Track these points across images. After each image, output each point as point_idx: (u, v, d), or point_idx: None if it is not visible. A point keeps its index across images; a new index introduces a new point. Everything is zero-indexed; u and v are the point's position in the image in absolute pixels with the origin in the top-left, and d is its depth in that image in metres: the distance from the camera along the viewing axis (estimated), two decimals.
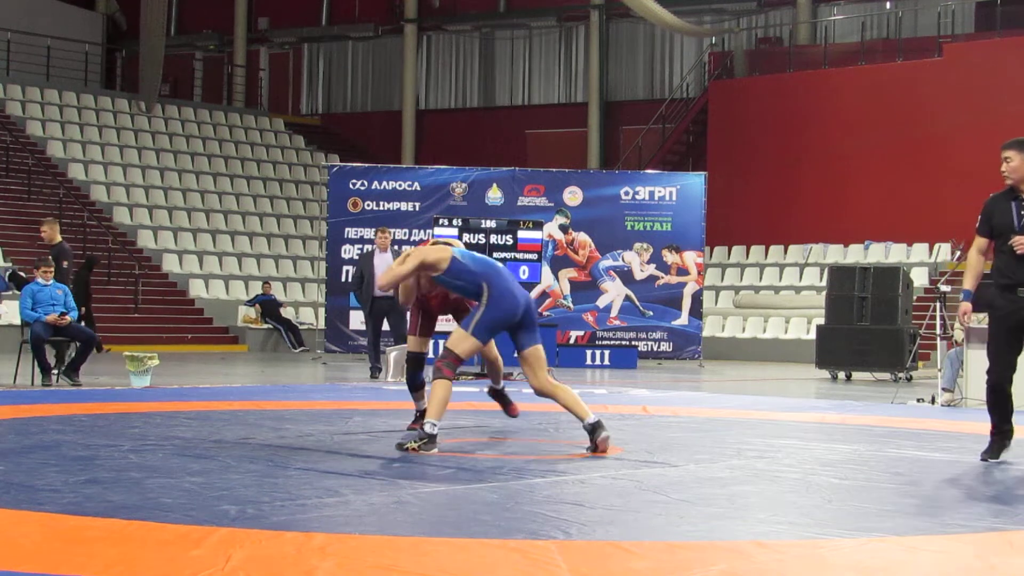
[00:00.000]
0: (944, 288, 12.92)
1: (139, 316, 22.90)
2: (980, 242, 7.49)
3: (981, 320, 12.17)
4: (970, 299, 7.29)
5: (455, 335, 7.51)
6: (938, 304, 12.71)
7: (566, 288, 20.47)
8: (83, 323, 14.13)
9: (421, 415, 8.09)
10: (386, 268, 14.83)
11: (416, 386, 8.33)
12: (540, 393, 7.53)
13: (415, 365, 8.28)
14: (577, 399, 7.54)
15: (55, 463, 6.49)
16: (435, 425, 7.29)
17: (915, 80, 25.42)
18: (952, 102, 24.64)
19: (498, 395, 8.52)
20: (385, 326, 15.15)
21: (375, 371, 15.02)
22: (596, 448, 7.36)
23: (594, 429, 7.42)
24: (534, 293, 20.03)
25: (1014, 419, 7.31)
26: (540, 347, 7.60)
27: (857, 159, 25.40)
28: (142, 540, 4.63)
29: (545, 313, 20.28)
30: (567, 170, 22.11)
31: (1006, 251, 7.23)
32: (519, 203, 20.42)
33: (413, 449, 7.23)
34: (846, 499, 5.91)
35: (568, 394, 7.55)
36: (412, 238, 19.96)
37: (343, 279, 19.98)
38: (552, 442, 8.12)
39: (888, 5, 28.88)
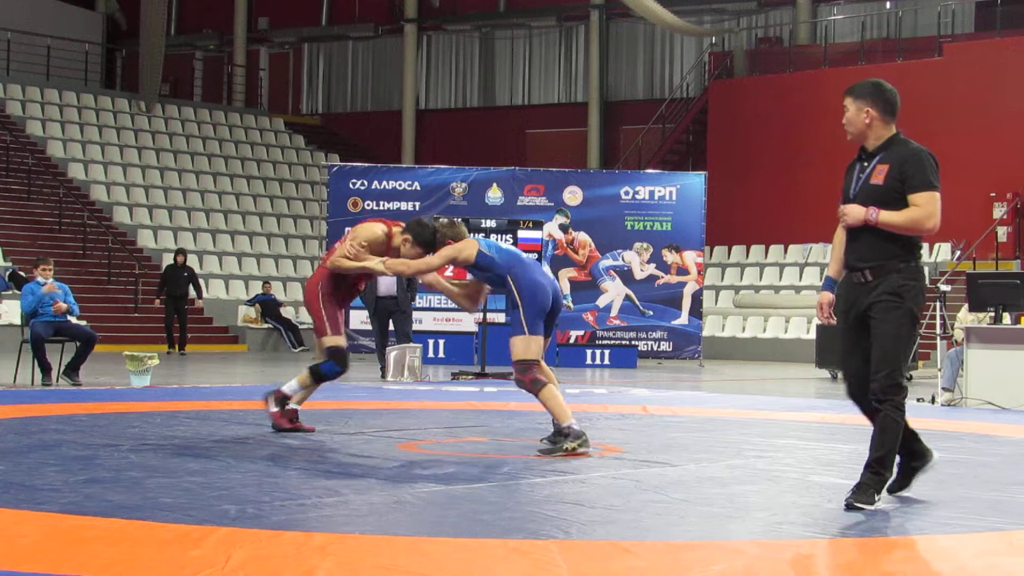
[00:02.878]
0: (944, 288, 12.92)
1: (139, 316, 22.89)
2: None
3: (982, 320, 12.20)
4: (830, 288, 5.89)
5: (517, 345, 7.42)
6: (938, 304, 12.70)
7: (566, 288, 20.46)
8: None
9: None
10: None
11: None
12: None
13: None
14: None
15: (55, 463, 6.49)
16: (576, 422, 7.32)
17: (915, 80, 25.39)
18: (952, 102, 24.63)
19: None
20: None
21: (385, 372, 15.02)
22: (542, 452, 7.38)
23: (559, 434, 7.46)
24: None
25: (921, 444, 5.92)
26: (547, 339, 7.68)
27: None
28: (142, 540, 4.63)
29: None
30: (567, 170, 22.11)
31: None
32: (519, 203, 20.41)
33: (572, 449, 7.22)
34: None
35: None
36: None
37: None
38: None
39: (888, 5, 28.88)
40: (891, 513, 5.51)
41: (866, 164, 5.88)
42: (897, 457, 5.69)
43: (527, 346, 7.39)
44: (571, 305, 20.50)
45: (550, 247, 20.20)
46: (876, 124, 5.86)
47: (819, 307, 5.87)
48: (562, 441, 7.35)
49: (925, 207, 5.70)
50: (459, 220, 8.23)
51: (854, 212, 5.70)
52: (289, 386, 8.26)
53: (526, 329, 7.40)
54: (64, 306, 12.59)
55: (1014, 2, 25.65)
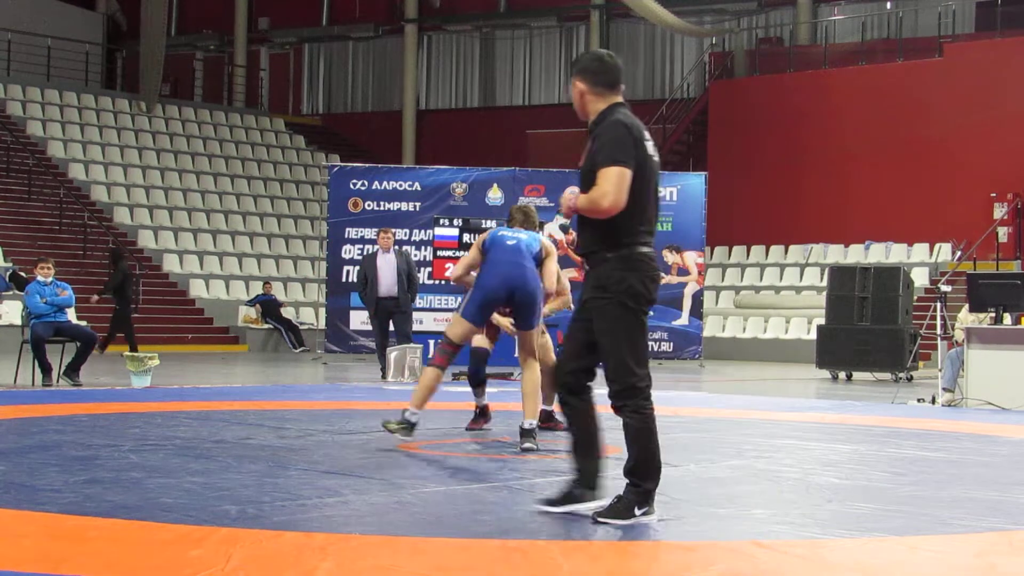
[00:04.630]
0: (945, 288, 12.92)
1: (139, 316, 22.89)
2: None
3: (982, 320, 12.20)
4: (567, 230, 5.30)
5: (452, 320, 7.71)
6: (939, 304, 12.71)
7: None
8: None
9: (482, 412, 8.23)
10: (389, 270, 14.91)
11: (477, 382, 8.41)
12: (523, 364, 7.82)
13: (477, 361, 8.33)
14: (533, 394, 7.60)
15: (55, 463, 6.49)
16: (415, 413, 7.45)
17: (915, 80, 25.41)
18: (952, 102, 24.63)
19: (547, 419, 8.44)
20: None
21: (386, 372, 15.03)
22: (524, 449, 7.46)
23: (524, 433, 7.55)
24: None
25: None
26: (530, 333, 7.67)
27: (857, 159, 25.39)
28: (142, 540, 4.63)
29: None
30: (568, 170, 22.06)
31: None
32: (520, 203, 20.38)
33: (392, 429, 7.45)
34: (846, 499, 5.91)
35: (531, 384, 7.66)
36: (413, 238, 19.95)
37: (343, 279, 19.97)
38: (552, 442, 8.11)
39: (888, 5, 28.87)
40: (891, 513, 5.51)
41: (589, 144, 5.24)
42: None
43: (453, 325, 7.67)
44: (572, 305, 20.45)
45: None
46: (588, 98, 5.23)
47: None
48: (400, 416, 7.55)
49: (601, 184, 4.97)
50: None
51: (564, 199, 5.22)
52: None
53: (461, 310, 7.66)
54: (64, 293, 12.66)
55: (1014, 2, 25.64)
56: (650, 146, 5.21)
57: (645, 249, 5.13)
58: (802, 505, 5.76)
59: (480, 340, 8.26)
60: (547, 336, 8.38)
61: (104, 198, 25.87)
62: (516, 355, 7.86)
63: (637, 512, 5.02)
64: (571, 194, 5.16)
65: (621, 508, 5.02)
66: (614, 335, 5.08)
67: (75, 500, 5.36)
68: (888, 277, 17.54)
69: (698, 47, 30.97)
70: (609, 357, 5.10)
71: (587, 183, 5.07)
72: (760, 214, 26.32)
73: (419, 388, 7.56)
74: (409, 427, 7.46)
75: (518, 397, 8.14)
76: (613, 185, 4.97)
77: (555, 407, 8.40)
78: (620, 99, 5.24)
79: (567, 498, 5.18)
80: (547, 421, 8.54)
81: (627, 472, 5.07)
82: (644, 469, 5.06)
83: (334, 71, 35.55)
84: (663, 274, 20.52)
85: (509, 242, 7.75)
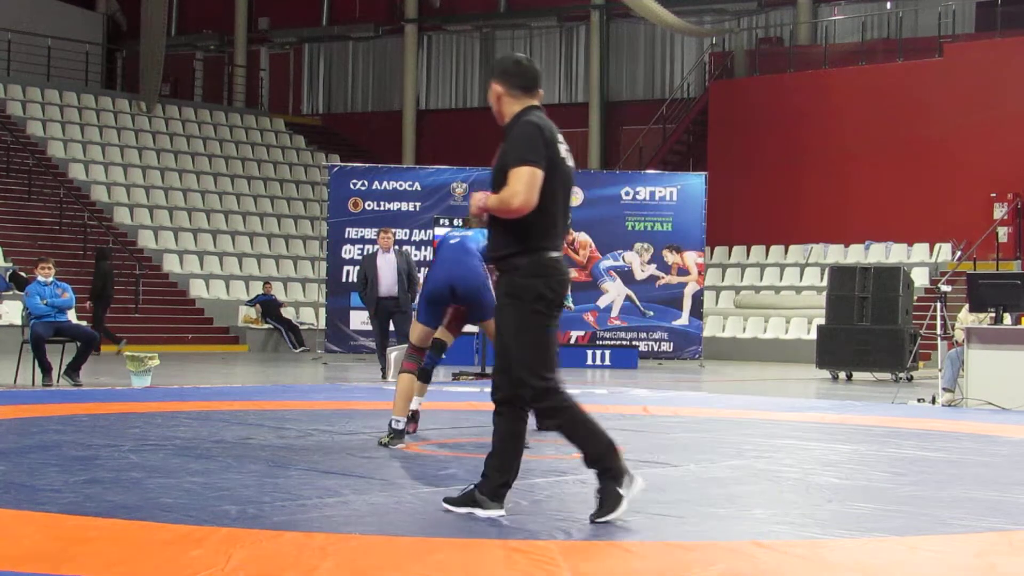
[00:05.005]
0: (945, 288, 12.92)
1: (139, 316, 22.90)
2: None
3: (982, 320, 12.20)
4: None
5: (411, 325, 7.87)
6: (939, 304, 12.71)
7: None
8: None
9: (412, 416, 8.13)
10: (389, 270, 14.92)
11: (425, 376, 8.32)
12: None
13: (434, 350, 8.26)
14: None
15: (55, 463, 6.49)
16: (399, 421, 7.56)
17: (915, 80, 25.41)
18: (952, 102, 24.63)
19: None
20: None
21: (386, 372, 15.02)
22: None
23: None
24: None
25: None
26: (491, 321, 7.66)
27: (858, 159, 25.39)
28: (142, 540, 4.63)
29: None
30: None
31: None
32: None
33: (384, 444, 7.50)
34: (846, 499, 5.91)
35: None
36: (413, 238, 19.96)
37: (343, 279, 19.98)
38: (552, 442, 8.11)
39: (888, 5, 28.87)
40: (891, 513, 5.51)
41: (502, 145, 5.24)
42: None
43: (411, 330, 7.83)
44: (572, 305, 20.43)
45: None
46: (505, 100, 5.21)
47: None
48: (388, 429, 7.60)
49: (512, 184, 4.94)
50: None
51: (473, 200, 5.17)
52: None
53: (416, 315, 7.80)
54: (64, 295, 12.68)
55: (1014, 2, 25.64)
56: (563, 149, 5.17)
57: (554, 254, 5.10)
58: (802, 505, 5.76)
59: (440, 333, 8.27)
60: None
61: (104, 198, 25.87)
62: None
63: (485, 507, 5.08)
64: (482, 195, 5.15)
65: (468, 499, 5.10)
66: (519, 337, 5.05)
67: (75, 500, 5.36)
68: (888, 277, 17.54)
69: (698, 47, 30.97)
70: (511, 358, 5.07)
71: (498, 184, 5.06)
72: (760, 214, 26.32)
73: (397, 396, 7.70)
74: (398, 435, 7.57)
75: None
76: (524, 185, 4.94)
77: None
78: (536, 103, 5.23)
79: (467, 499, 5.17)
80: None
81: (487, 462, 5.16)
82: (498, 463, 5.11)
83: (334, 71, 35.55)
84: (663, 274, 20.67)
85: (452, 240, 7.92)
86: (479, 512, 5.08)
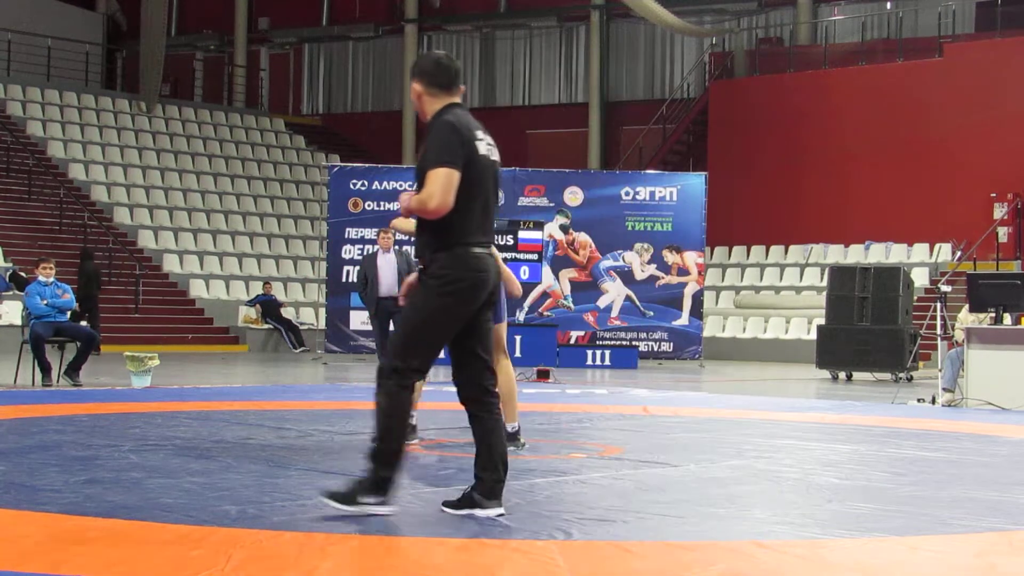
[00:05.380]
0: (945, 288, 12.92)
1: (139, 316, 22.90)
2: None
3: (982, 320, 12.20)
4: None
5: None
6: (939, 304, 12.71)
7: (567, 288, 20.47)
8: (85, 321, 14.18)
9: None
10: (389, 270, 14.92)
11: None
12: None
13: None
14: (512, 398, 7.52)
15: (55, 463, 6.49)
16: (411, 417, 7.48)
17: (915, 80, 25.42)
18: (952, 102, 24.63)
19: None
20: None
21: None
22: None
23: (509, 438, 7.52)
24: (535, 293, 20.05)
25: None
26: (498, 327, 7.73)
27: (858, 159, 25.40)
28: (143, 540, 4.63)
29: (546, 313, 20.29)
30: (568, 170, 22.10)
31: None
32: (520, 203, 20.41)
33: None
34: (846, 499, 5.91)
35: (505, 388, 7.66)
36: (413, 238, 19.94)
37: (343, 279, 19.98)
38: (552, 442, 8.12)
39: (888, 5, 28.88)
40: (891, 513, 5.51)
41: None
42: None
43: None
44: (572, 306, 20.50)
45: (551, 248, 20.20)
46: (425, 99, 5.26)
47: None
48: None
49: (428, 186, 5.01)
50: None
51: (400, 201, 5.26)
52: None
53: None
54: (65, 296, 12.67)
55: (1014, 2, 25.65)
56: (483, 145, 5.19)
57: (475, 250, 5.11)
58: (802, 505, 5.76)
59: None
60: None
61: (104, 198, 25.87)
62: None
63: (369, 500, 5.01)
64: (407, 195, 5.19)
65: (350, 493, 5.04)
66: (414, 313, 5.10)
67: (75, 500, 5.36)
68: (888, 277, 17.54)
69: (698, 47, 30.97)
70: (398, 331, 5.16)
71: (421, 184, 5.10)
72: (760, 214, 26.32)
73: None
74: (411, 429, 7.45)
75: (518, 398, 8.15)
76: (439, 187, 4.98)
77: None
78: (456, 100, 5.26)
79: (466, 502, 5.15)
80: None
81: (367, 456, 5.09)
82: (380, 455, 5.03)
83: (334, 71, 35.55)
84: (663, 274, 20.66)
85: None
86: (479, 512, 5.08)
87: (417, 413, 7.56)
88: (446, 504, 5.21)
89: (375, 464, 5.03)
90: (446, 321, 5.10)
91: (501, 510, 5.09)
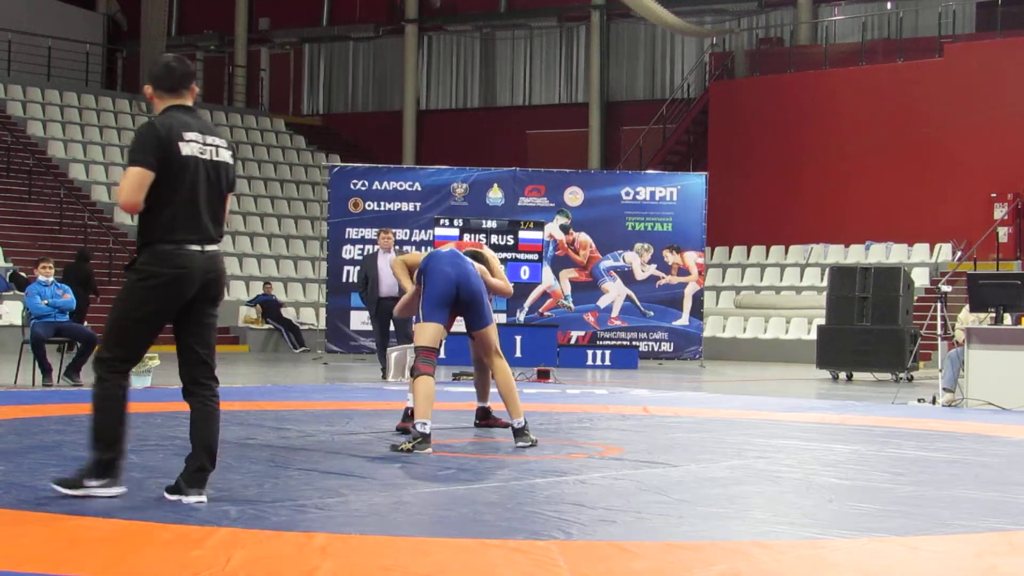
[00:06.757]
0: (945, 288, 12.92)
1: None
2: None
3: (983, 320, 12.20)
4: None
5: (415, 331, 7.81)
6: (939, 304, 12.71)
7: (567, 288, 20.47)
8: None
9: (411, 413, 8.15)
10: (389, 270, 14.91)
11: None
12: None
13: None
14: (511, 393, 7.75)
15: (55, 463, 6.49)
16: (426, 424, 7.35)
17: (915, 80, 25.41)
18: (952, 102, 24.63)
19: (485, 416, 8.77)
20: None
21: (386, 372, 15.02)
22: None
23: (517, 433, 7.65)
24: (535, 293, 20.06)
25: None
26: (487, 329, 7.86)
27: (858, 159, 25.40)
28: (142, 540, 4.63)
29: (546, 313, 20.29)
30: (568, 170, 22.10)
31: None
32: (520, 203, 20.41)
33: (407, 449, 7.25)
34: (847, 499, 5.91)
35: (505, 385, 7.74)
36: (413, 238, 19.96)
37: (344, 279, 19.98)
38: (552, 442, 8.11)
39: (889, 5, 28.87)
40: (891, 513, 5.51)
41: None
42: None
43: (420, 333, 7.71)
44: (572, 306, 20.50)
45: (551, 248, 20.20)
46: (155, 101, 5.47)
47: None
48: (412, 432, 7.50)
49: (120, 184, 5.31)
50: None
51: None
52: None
53: (422, 316, 7.72)
54: (65, 296, 12.67)
55: (1014, 2, 25.65)
56: (194, 146, 5.34)
57: (189, 247, 5.35)
58: (802, 505, 5.76)
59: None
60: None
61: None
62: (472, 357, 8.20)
63: (93, 483, 5.30)
64: None
65: (76, 479, 5.33)
66: (116, 306, 5.38)
67: (75, 500, 5.36)
68: (888, 277, 17.54)
69: (698, 47, 30.97)
70: (107, 323, 5.40)
71: None
72: (760, 214, 26.32)
73: (420, 399, 7.46)
74: (424, 439, 7.35)
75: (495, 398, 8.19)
76: (126, 184, 5.24)
77: (490, 404, 8.66)
78: (183, 102, 5.44)
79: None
80: (485, 418, 8.73)
81: (88, 442, 5.38)
82: (98, 439, 5.33)
83: (334, 71, 35.54)
84: (663, 275, 20.66)
85: (444, 251, 7.98)
86: (184, 499, 5.27)
87: (431, 423, 7.51)
88: (166, 489, 5.41)
89: (94, 447, 5.34)
90: (146, 315, 5.36)
91: (202, 498, 5.28)
